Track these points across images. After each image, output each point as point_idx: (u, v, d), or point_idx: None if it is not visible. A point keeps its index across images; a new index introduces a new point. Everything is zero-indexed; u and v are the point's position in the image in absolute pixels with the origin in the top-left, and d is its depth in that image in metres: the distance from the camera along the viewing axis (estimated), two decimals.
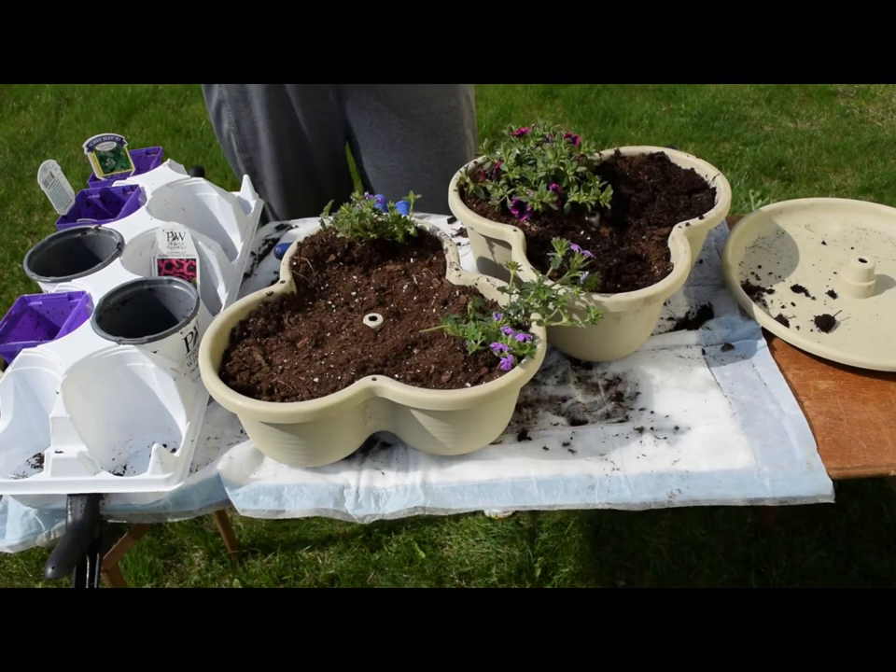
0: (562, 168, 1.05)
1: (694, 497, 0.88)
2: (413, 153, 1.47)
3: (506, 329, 0.86)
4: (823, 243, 1.21)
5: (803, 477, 0.88)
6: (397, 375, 0.87)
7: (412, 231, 1.06)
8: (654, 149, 1.20)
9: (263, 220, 1.58)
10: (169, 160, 1.29)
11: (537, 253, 1.01)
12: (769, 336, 1.06)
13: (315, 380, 0.87)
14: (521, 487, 0.90)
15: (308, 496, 0.91)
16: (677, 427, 0.95)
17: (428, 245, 1.07)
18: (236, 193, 1.31)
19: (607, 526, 1.81)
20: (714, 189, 1.12)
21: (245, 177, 1.33)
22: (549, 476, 0.90)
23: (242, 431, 0.97)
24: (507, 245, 1.03)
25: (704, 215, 1.05)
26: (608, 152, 1.19)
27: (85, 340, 0.93)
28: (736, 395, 0.99)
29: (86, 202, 1.25)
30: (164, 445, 0.95)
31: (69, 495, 0.88)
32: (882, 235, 1.21)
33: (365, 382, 0.84)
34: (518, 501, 0.90)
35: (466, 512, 0.92)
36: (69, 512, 0.88)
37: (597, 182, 1.05)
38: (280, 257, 1.26)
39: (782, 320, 1.06)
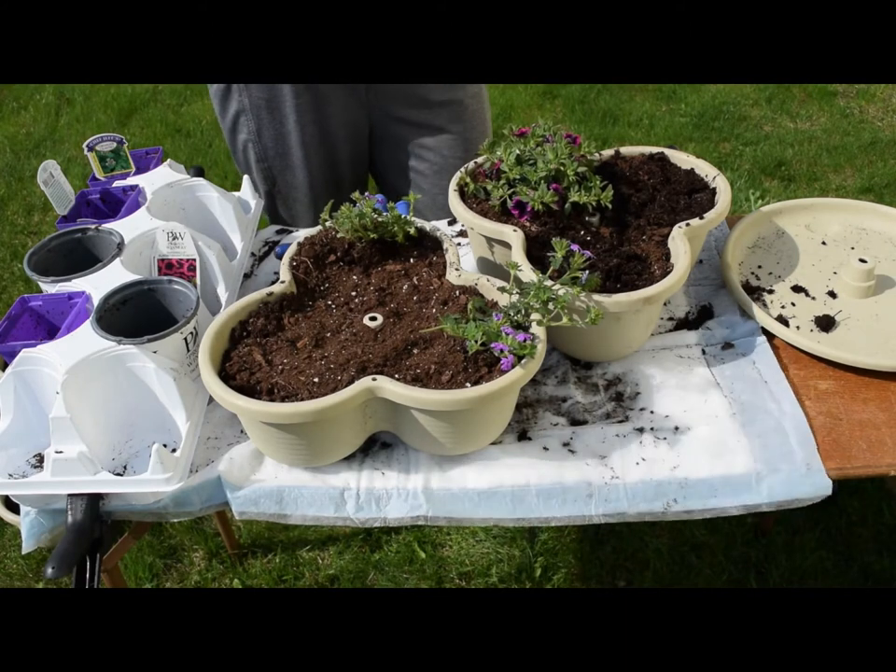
0: (562, 168, 1.05)
1: (689, 509, 0.89)
2: (442, 136, 1.50)
3: (506, 329, 0.86)
4: (823, 243, 1.21)
5: (802, 479, 0.88)
6: (397, 375, 0.87)
7: (412, 231, 1.06)
8: (654, 149, 1.20)
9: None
10: (169, 160, 1.29)
11: (537, 253, 1.01)
12: (769, 336, 1.06)
13: (315, 380, 0.87)
14: (520, 496, 0.90)
15: (309, 500, 0.91)
16: (677, 428, 0.95)
17: (428, 246, 1.07)
18: (236, 193, 1.31)
19: (606, 526, 1.81)
20: (714, 189, 1.12)
21: (245, 178, 1.33)
22: (548, 484, 0.90)
23: (242, 431, 0.97)
24: (507, 245, 1.03)
25: (704, 215, 1.05)
26: (608, 152, 1.19)
27: (85, 340, 0.93)
28: (736, 395, 0.99)
29: (86, 202, 1.25)
30: (164, 445, 0.95)
31: (69, 495, 0.88)
32: (882, 235, 1.21)
33: (365, 382, 0.84)
34: (517, 512, 0.90)
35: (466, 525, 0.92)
36: (69, 512, 0.88)
37: (598, 182, 1.05)
38: (280, 258, 1.26)
39: (782, 320, 1.06)
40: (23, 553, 0.95)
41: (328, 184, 1.53)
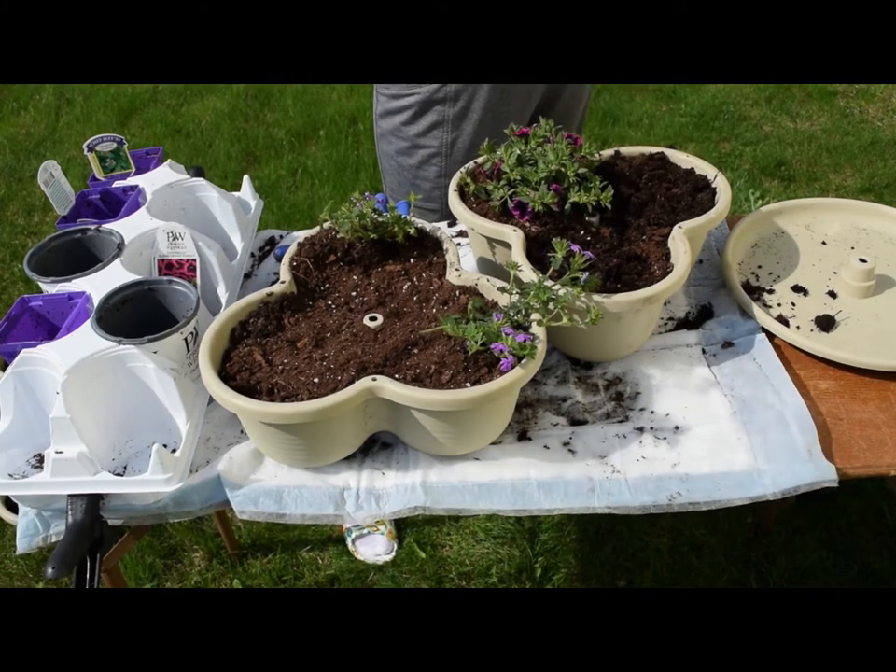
0: (563, 169, 1.05)
1: (694, 500, 0.88)
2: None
3: (506, 330, 0.86)
4: (823, 243, 1.21)
5: (804, 466, 0.88)
6: (397, 375, 0.87)
7: (412, 231, 1.06)
8: (654, 149, 1.19)
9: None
10: (169, 160, 1.29)
11: (537, 253, 1.01)
12: (769, 336, 1.06)
13: (315, 380, 0.87)
14: (521, 488, 0.90)
15: (308, 499, 0.91)
16: (677, 427, 0.95)
17: (428, 246, 1.07)
18: (236, 193, 1.31)
19: (606, 527, 1.81)
20: (714, 188, 1.12)
21: (246, 177, 1.33)
22: (549, 477, 0.90)
23: (242, 431, 0.97)
24: (507, 246, 1.03)
25: (704, 215, 1.05)
26: (607, 152, 1.19)
27: (85, 340, 0.93)
28: (737, 392, 0.99)
29: (86, 202, 1.25)
30: (164, 445, 0.95)
31: (69, 495, 0.88)
32: (882, 235, 1.21)
33: (365, 382, 0.84)
34: (518, 504, 0.89)
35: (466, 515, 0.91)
36: (69, 513, 0.88)
37: (598, 182, 1.05)
38: (280, 259, 1.26)
39: (782, 320, 1.06)
40: (17, 553, 0.95)
41: None
